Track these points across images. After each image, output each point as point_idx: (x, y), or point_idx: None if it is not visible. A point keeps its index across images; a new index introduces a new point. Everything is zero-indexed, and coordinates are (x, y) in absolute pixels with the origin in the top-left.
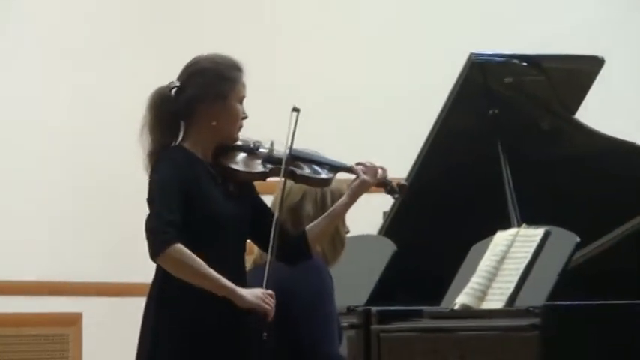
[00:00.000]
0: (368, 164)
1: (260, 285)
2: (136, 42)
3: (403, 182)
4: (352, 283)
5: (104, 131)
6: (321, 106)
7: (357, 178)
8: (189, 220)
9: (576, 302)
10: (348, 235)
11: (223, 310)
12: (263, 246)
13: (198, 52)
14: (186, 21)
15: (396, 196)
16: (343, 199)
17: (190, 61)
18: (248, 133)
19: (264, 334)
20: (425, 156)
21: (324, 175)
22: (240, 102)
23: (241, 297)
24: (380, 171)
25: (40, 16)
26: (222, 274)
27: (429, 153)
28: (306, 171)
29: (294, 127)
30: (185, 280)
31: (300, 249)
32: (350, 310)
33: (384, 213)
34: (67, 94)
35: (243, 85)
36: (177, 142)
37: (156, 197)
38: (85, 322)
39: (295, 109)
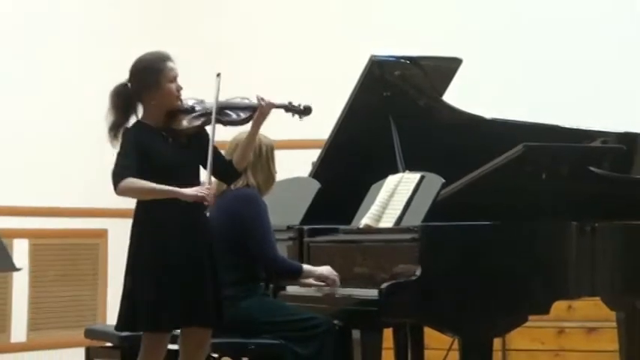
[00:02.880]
0: (260, 97)
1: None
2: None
3: (305, 104)
4: (290, 210)
5: None
6: None
7: (258, 108)
8: (146, 170)
9: (441, 223)
10: (289, 177)
11: (175, 220)
12: (216, 176)
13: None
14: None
15: (298, 115)
16: (251, 127)
17: (132, 63)
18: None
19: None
20: (340, 124)
21: (244, 116)
22: (173, 80)
23: (183, 193)
24: (271, 102)
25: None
26: (183, 202)
27: (343, 121)
28: (231, 117)
29: (218, 89)
30: (145, 204)
31: (231, 170)
32: (289, 228)
33: (312, 163)
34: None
35: (171, 69)
36: (139, 119)
37: (117, 155)
38: (110, 235)
39: (218, 75)
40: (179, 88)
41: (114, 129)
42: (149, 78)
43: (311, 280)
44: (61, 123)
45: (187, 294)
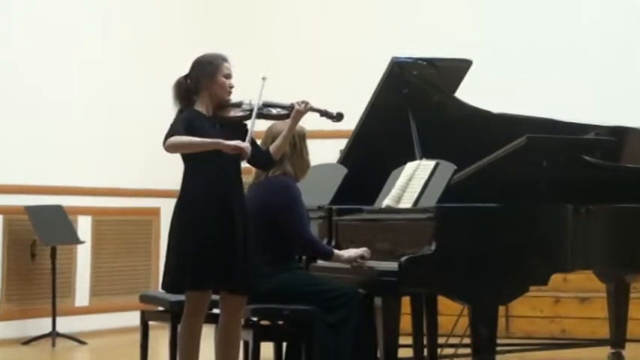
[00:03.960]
0: (301, 101)
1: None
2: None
3: (339, 111)
4: (320, 192)
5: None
6: None
7: (295, 109)
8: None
9: (454, 204)
10: (320, 163)
11: (215, 197)
12: (251, 163)
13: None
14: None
15: (332, 119)
16: (288, 123)
17: (193, 61)
18: None
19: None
20: (365, 116)
21: (282, 112)
22: (227, 77)
23: (224, 144)
24: (307, 105)
25: None
26: (223, 183)
27: (368, 114)
28: (271, 112)
29: (262, 89)
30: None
31: (268, 158)
32: (319, 208)
33: (340, 151)
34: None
35: (227, 67)
36: (193, 107)
37: (170, 127)
38: (162, 212)
39: (264, 78)
40: (231, 86)
41: (179, 112)
42: (207, 70)
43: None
44: (121, 117)
45: (222, 261)
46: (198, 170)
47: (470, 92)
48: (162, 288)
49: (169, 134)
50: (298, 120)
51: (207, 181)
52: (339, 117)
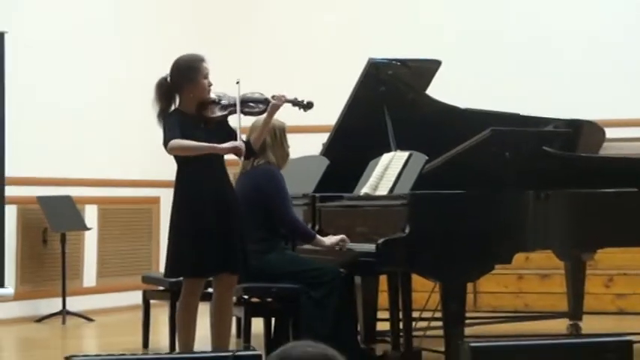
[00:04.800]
0: (277, 94)
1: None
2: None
3: (308, 100)
4: (305, 181)
5: None
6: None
7: (271, 103)
8: None
9: (425, 191)
10: (304, 154)
11: (210, 187)
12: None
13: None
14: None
15: (302, 109)
16: (266, 116)
17: (174, 62)
18: None
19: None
20: (345, 112)
21: (261, 108)
22: (206, 77)
23: (221, 147)
24: (283, 97)
25: None
26: (216, 176)
27: (347, 110)
28: (252, 109)
29: (239, 92)
30: (185, 180)
31: (249, 148)
32: (304, 196)
33: (322, 144)
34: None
35: (205, 68)
36: (177, 106)
37: (165, 130)
38: (162, 201)
39: (237, 82)
40: (210, 84)
41: (161, 114)
42: (188, 75)
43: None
44: (124, 115)
45: (220, 247)
46: (191, 166)
47: (439, 90)
48: (165, 275)
49: (169, 138)
50: (275, 112)
51: (201, 175)
52: (309, 105)
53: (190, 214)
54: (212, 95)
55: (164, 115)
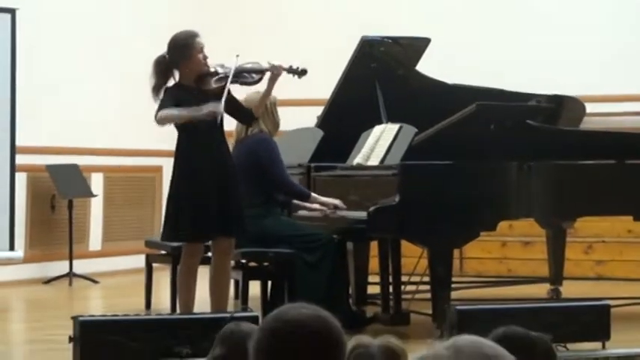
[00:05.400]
0: (275, 63)
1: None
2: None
3: (303, 67)
4: (300, 152)
5: None
6: None
7: (272, 73)
8: None
9: (415, 162)
10: (300, 127)
11: (209, 154)
12: (236, 118)
13: None
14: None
15: (297, 76)
16: (267, 85)
17: (170, 39)
18: None
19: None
20: (339, 87)
21: (256, 78)
22: (201, 51)
23: (199, 114)
24: (281, 66)
25: None
26: (214, 145)
27: (341, 85)
28: (247, 79)
29: (236, 63)
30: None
31: (249, 114)
32: (299, 165)
33: (317, 116)
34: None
35: (199, 42)
36: (177, 81)
37: (160, 104)
38: (164, 170)
39: (237, 56)
40: (205, 57)
41: (155, 89)
42: (183, 51)
43: (316, 206)
44: (129, 88)
45: (216, 214)
46: (191, 135)
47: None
48: (162, 239)
49: (158, 110)
50: (275, 81)
51: (200, 144)
52: (303, 72)
53: (189, 181)
54: (210, 68)
55: (159, 91)
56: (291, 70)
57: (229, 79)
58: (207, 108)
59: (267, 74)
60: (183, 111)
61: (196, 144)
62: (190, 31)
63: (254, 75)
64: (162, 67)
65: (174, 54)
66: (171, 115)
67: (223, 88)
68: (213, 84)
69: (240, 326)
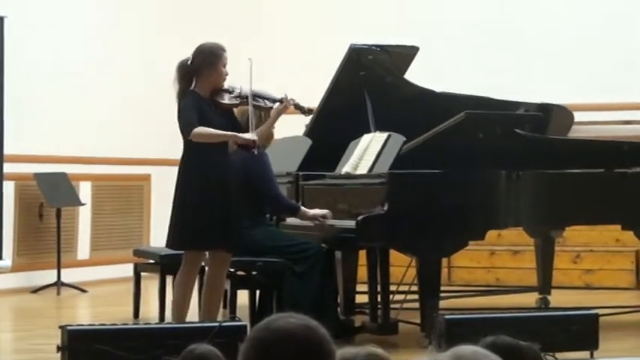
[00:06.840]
0: (288, 97)
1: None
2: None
3: (309, 107)
4: (289, 160)
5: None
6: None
7: (282, 104)
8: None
9: (403, 171)
10: (289, 135)
11: (216, 167)
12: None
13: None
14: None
15: (306, 114)
16: (272, 115)
17: (198, 46)
18: None
19: (254, 150)
20: (327, 95)
21: (269, 105)
22: (224, 66)
23: (240, 137)
24: (292, 100)
25: None
26: (220, 159)
27: (330, 93)
28: (259, 104)
29: (251, 76)
30: (195, 153)
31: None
32: (288, 174)
33: (306, 125)
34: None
35: (225, 57)
36: (193, 88)
37: (182, 109)
38: (153, 179)
39: (249, 59)
40: (226, 73)
41: (181, 95)
42: (210, 60)
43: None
44: (117, 95)
45: (221, 225)
46: (201, 147)
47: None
48: (167, 245)
49: (191, 124)
50: (282, 113)
51: (209, 156)
52: (309, 111)
53: (197, 191)
54: (226, 85)
55: (182, 96)
56: (298, 107)
57: (250, 101)
58: (246, 135)
59: (277, 105)
60: (222, 134)
61: (206, 155)
62: (219, 44)
63: (267, 102)
64: (185, 72)
65: (200, 60)
66: (210, 135)
67: (235, 106)
68: (227, 100)
69: (199, 348)
